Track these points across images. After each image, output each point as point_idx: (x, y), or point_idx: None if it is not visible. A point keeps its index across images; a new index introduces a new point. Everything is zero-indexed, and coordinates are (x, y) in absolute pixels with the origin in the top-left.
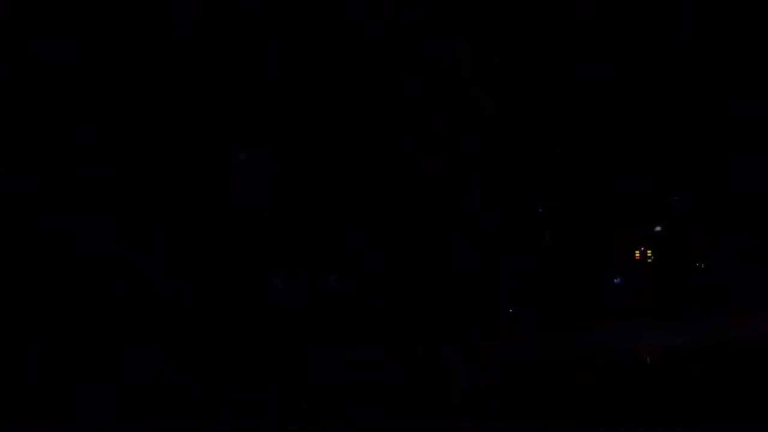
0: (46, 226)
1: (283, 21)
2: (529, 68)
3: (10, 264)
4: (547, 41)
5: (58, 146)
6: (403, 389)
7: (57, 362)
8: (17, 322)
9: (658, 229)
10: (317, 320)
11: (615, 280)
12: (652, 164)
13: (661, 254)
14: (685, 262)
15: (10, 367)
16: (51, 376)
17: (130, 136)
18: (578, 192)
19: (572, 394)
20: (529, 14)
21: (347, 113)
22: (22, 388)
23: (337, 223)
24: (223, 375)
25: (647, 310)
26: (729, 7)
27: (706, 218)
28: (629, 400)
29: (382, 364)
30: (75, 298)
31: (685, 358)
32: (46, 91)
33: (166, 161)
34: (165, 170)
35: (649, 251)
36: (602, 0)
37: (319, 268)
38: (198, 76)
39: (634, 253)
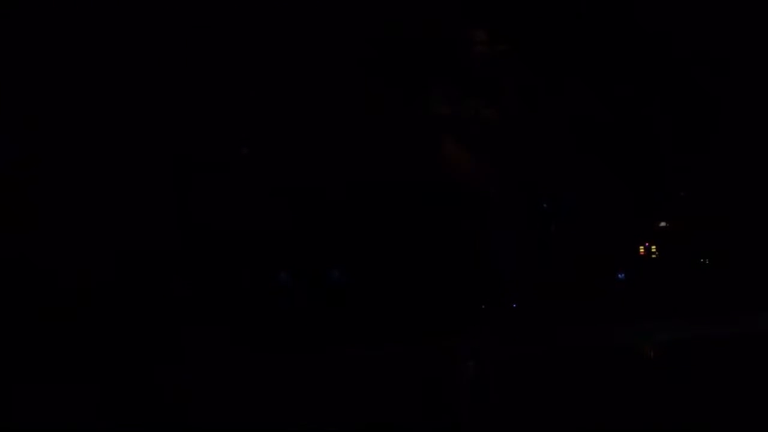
0: (44, 223)
1: (283, 20)
2: (531, 64)
3: (7, 262)
4: (552, 37)
5: (57, 145)
6: (403, 388)
7: (55, 361)
8: (16, 321)
9: (662, 225)
10: (316, 318)
11: (619, 275)
12: (656, 161)
13: (664, 250)
14: (688, 258)
15: (9, 366)
16: (48, 375)
17: (129, 136)
18: (581, 188)
19: (573, 392)
20: (533, 10)
21: (349, 112)
22: (21, 387)
23: (338, 222)
24: (223, 374)
25: (650, 307)
26: (731, 8)
27: (709, 215)
28: (630, 398)
29: (382, 363)
30: (74, 296)
31: (686, 355)
32: (44, 91)
33: (165, 160)
34: (164, 169)
35: (653, 247)
36: None
37: (319, 267)
38: (197, 75)
39: (638, 249)
